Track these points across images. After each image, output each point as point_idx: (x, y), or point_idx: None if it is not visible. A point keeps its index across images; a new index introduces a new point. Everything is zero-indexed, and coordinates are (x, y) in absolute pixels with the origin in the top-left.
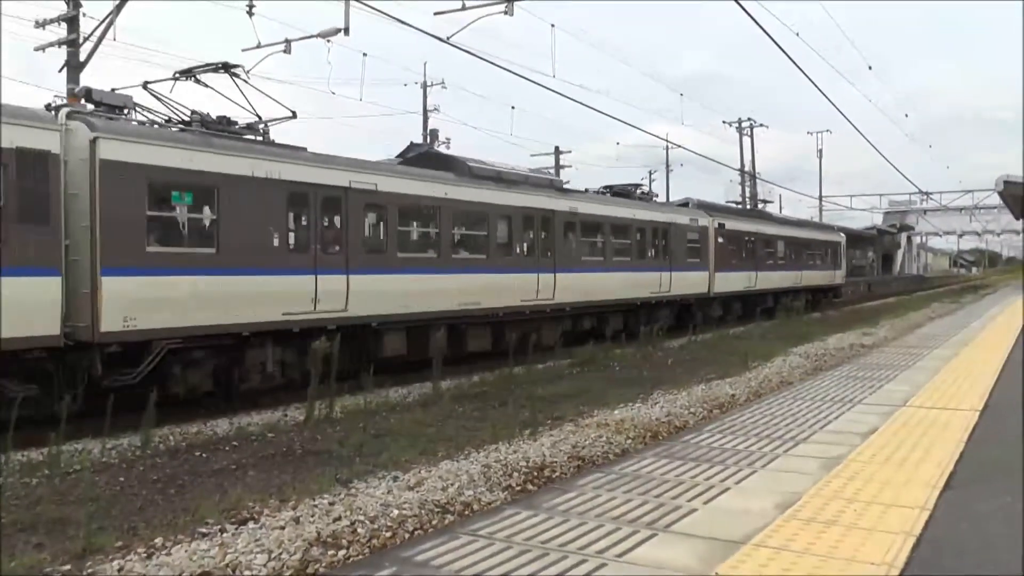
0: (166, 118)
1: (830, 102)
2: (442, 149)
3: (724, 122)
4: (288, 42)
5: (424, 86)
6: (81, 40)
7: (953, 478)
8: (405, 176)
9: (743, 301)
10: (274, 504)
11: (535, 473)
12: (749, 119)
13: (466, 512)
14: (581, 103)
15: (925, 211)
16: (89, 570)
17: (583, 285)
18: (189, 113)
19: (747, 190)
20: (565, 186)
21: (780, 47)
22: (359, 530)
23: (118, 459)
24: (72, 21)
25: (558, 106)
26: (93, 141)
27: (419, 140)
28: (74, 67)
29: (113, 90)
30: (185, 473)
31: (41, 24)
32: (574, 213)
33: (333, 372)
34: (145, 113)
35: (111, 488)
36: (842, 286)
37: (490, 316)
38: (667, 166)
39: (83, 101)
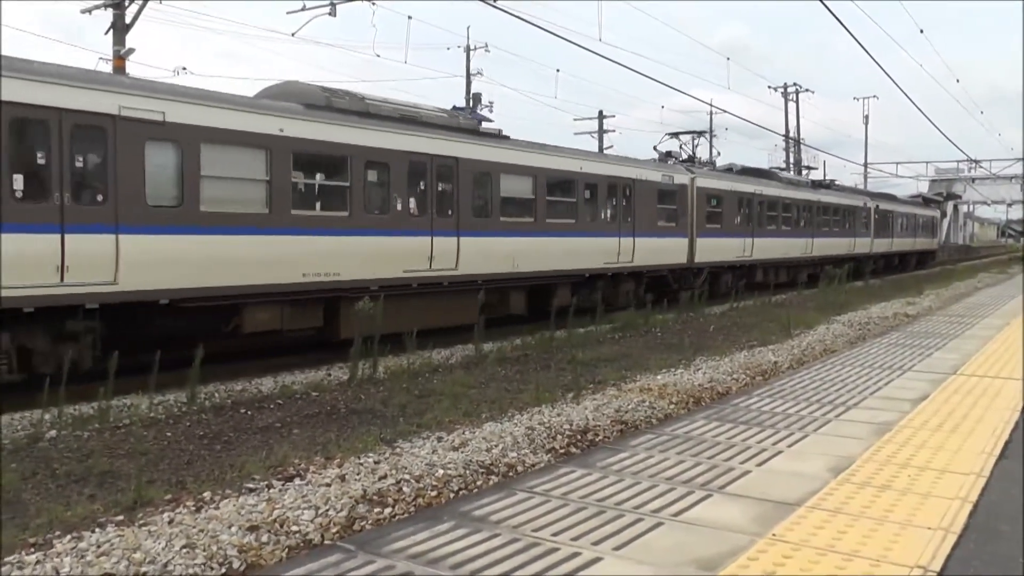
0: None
1: (879, 65)
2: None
3: (769, 87)
4: (333, 5)
5: (467, 50)
6: (127, 3)
7: (1008, 447)
8: (767, 185)
9: (885, 259)
10: (319, 462)
11: (578, 436)
12: (795, 84)
13: (510, 473)
14: (626, 67)
15: (973, 179)
16: (141, 521)
17: (823, 245)
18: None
19: (791, 156)
20: (800, 181)
21: (828, 8)
22: (404, 489)
23: (165, 415)
24: None
25: (603, 70)
26: (692, 179)
27: (461, 104)
28: (119, 29)
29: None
30: (231, 430)
31: None
32: (820, 201)
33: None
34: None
35: (159, 443)
36: (937, 250)
37: (785, 263)
38: (711, 131)
39: (657, 157)
